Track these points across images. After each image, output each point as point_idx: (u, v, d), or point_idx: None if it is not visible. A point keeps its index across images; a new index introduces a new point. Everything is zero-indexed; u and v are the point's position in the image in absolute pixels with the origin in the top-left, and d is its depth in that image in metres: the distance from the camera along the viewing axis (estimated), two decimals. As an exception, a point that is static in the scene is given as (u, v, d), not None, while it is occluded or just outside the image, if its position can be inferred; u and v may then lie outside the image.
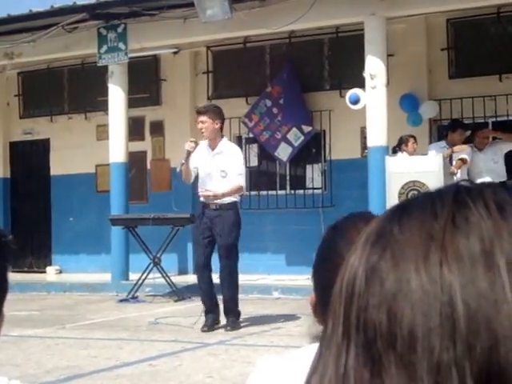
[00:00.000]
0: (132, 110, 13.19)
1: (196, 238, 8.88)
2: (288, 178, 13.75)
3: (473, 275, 0.58)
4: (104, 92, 13.02)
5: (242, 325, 9.01)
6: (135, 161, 13.76)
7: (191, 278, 12.90)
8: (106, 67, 12.81)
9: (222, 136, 8.74)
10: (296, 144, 13.17)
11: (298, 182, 13.62)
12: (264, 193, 13.63)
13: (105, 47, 12.72)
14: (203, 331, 8.56)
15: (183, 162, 8.61)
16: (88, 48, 12.87)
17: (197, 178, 8.74)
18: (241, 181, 8.53)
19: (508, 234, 0.60)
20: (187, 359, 7.36)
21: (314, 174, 13.49)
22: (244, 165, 8.79)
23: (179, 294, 11.46)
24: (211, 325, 8.66)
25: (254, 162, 13.89)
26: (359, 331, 0.61)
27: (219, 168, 8.49)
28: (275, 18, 11.53)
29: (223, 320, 8.87)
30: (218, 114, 8.54)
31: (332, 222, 1.71)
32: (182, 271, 13.85)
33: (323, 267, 1.61)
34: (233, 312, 8.77)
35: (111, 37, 12.67)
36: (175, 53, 14.05)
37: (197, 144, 8.64)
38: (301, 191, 13.44)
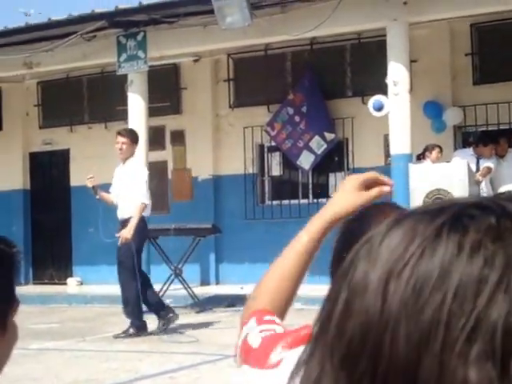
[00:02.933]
0: (152, 119, 13.07)
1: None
2: (310, 186, 13.62)
3: (413, 306, 0.60)
4: (124, 101, 12.92)
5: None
6: (156, 170, 13.64)
7: (213, 289, 12.78)
8: (125, 76, 12.70)
9: (133, 156, 9.54)
10: (319, 152, 13.02)
11: (321, 190, 13.47)
12: (286, 202, 13.49)
13: (124, 55, 12.61)
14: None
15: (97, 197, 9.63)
16: (107, 57, 12.78)
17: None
18: (141, 198, 9.22)
19: (466, 280, 0.60)
20: (207, 371, 7.31)
21: (336, 183, 13.31)
22: (144, 180, 9.35)
23: (200, 305, 11.34)
24: (160, 328, 9.45)
25: (277, 171, 13.79)
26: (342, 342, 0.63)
27: (125, 184, 9.31)
28: (296, 24, 11.41)
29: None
30: (135, 139, 9.55)
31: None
32: (204, 282, 13.72)
33: (342, 261, 1.45)
34: (131, 322, 9.45)
35: (130, 45, 12.56)
36: (195, 60, 13.95)
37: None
38: (324, 200, 13.23)
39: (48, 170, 15.36)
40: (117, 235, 9.32)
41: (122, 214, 9.41)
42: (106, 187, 14.53)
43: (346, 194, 1.58)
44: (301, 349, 1.31)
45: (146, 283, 9.59)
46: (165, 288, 11.45)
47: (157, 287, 11.64)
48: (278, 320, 1.49)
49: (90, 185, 9.49)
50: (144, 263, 12.41)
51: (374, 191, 1.57)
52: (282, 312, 1.54)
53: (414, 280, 0.61)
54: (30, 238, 15.68)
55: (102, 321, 10.95)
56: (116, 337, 9.28)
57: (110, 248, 14.33)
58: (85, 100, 15.19)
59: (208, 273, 13.81)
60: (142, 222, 9.35)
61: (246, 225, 13.35)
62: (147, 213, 9.52)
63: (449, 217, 0.63)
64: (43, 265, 15.42)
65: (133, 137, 9.49)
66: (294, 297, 1.58)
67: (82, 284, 14.82)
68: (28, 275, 15.63)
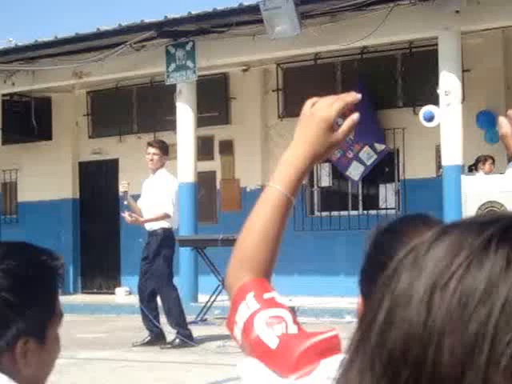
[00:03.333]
0: (201, 129, 13.06)
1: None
2: (360, 197, 13.49)
3: (459, 325, 0.59)
4: (173, 111, 12.91)
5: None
6: (204, 180, 13.64)
7: (261, 301, 12.66)
8: (174, 86, 12.69)
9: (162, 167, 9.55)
10: (368, 163, 12.87)
11: (371, 201, 13.34)
12: (336, 213, 13.34)
13: (173, 65, 12.61)
14: (133, 345, 9.44)
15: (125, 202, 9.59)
16: (156, 66, 12.79)
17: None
18: (166, 207, 9.28)
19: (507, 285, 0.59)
20: None
21: (387, 194, 13.18)
22: (172, 191, 9.41)
23: (249, 316, 11.18)
24: (146, 341, 9.53)
25: (326, 182, 13.68)
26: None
27: (153, 195, 9.34)
28: (346, 33, 11.32)
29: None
30: (166, 151, 9.61)
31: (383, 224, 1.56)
32: (252, 293, 13.58)
33: (375, 274, 1.38)
34: (177, 332, 9.42)
35: (179, 55, 12.55)
36: (244, 70, 13.93)
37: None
38: (374, 211, 13.12)
39: (97, 179, 15.42)
40: (124, 215, 9.38)
41: (149, 226, 9.43)
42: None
43: (315, 134, 1.44)
44: (334, 358, 1.20)
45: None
46: (212, 299, 11.38)
47: (204, 298, 11.60)
48: (277, 297, 1.40)
49: (122, 189, 9.53)
50: (192, 274, 12.39)
51: (346, 126, 1.45)
52: (268, 273, 1.45)
53: (459, 292, 0.60)
54: (78, 248, 15.77)
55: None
56: (162, 347, 9.28)
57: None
58: (134, 110, 15.25)
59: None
60: (169, 233, 9.45)
61: (294, 236, 13.18)
62: (175, 225, 9.65)
63: (498, 229, 0.62)
64: (92, 274, 15.48)
65: (163, 148, 9.54)
66: (277, 254, 1.47)
67: (130, 294, 14.81)
68: (77, 285, 15.74)
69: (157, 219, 9.26)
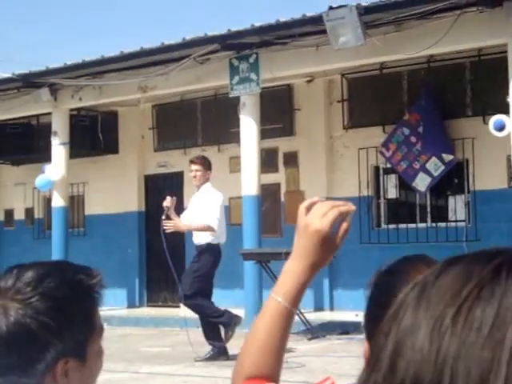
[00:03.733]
0: (265, 141, 12.99)
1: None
2: (429, 209, 13.20)
3: (470, 354, 0.59)
4: (236, 123, 12.85)
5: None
6: (269, 193, 13.55)
7: (327, 316, 12.52)
8: (238, 98, 12.64)
9: (206, 182, 9.74)
10: (435, 174, 12.58)
11: (440, 213, 13.05)
12: (403, 226, 13.08)
13: (237, 78, 12.56)
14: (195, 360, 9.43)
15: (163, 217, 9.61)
16: (220, 79, 12.76)
17: None
18: (210, 221, 9.36)
19: None
20: None
21: (456, 206, 12.87)
22: (218, 206, 9.53)
23: (313, 331, 11.06)
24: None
25: (393, 194, 13.46)
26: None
27: (199, 209, 9.46)
28: (412, 42, 11.11)
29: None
30: (209, 165, 9.78)
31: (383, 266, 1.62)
32: (318, 308, 13.47)
33: (380, 315, 1.38)
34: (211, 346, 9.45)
35: (243, 67, 12.50)
36: (309, 81, 13.81)
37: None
38: (443, 224, 12.82)
39: (162, 192, 15.42)
40: (164, 224, 9.44)
41: (197, 240, 9.55)
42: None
43: (311, 246, 1.48)
44: None
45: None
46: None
47: (269, 312, 11.50)
48: None
49: (165, 204, 9.58)
50: (256, 288, 12.28)
51: (342, 233, 1.49)
52: (274, 373, 1.48)
53: (472, 319, 0.60)
54: (144, 260, 15.84)
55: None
56: (197, 360, 9.34)
57: (222, 271, 14.30)
58: (198, 123, 15.25)
59: (322, 298, 13.55)
60: (217, 248, 9.54)
61: (361, 249, 13.01)
62: (222, 240, 9.68)
63: (507, 258, 0.64)
64: (157, 287, 15.51)
65: (206, 164, 9.72)
66: (281, 362, 1.50)
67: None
68: (142, 298, 15.82)
69: (197, 228, 9.42)
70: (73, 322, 1.47)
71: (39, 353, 1.44)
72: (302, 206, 1.51)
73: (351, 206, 1.53)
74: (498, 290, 0.61)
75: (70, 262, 1.58)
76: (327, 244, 1.48)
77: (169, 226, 9.34)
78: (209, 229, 9.37)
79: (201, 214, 9.39)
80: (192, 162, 9.80)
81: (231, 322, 9.53)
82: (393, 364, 0.62)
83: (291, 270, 1.49)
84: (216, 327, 9.52)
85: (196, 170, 9.66)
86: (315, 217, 1.47)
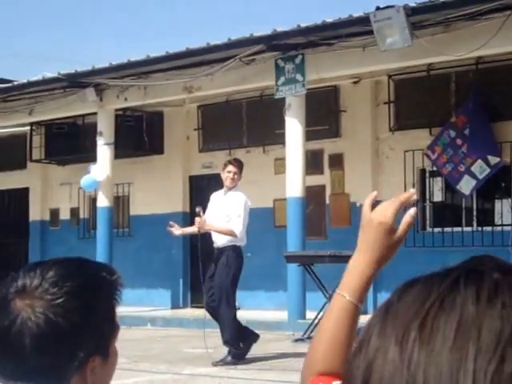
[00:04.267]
0: (310, 143, 12.92)
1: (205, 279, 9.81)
2: (475, 213, 13.04)
3: (439, 357, 0.63)
4: (282, 124, 12.80)
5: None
6: (313, 195, 13.48)
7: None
8: (283, 99, 12.59)
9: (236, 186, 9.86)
10: (481, 177, 12.41)
11: (486, 217, 12.88)
12: (448, 229, 12.93)
13: (282, 79, 12.50)
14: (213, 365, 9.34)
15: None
16: (265, 80, 12.72)
17: None
18: (235, 225, 9.43)
19: (488, 323, 0.63)
20: None
21: (503, 210, 12.66)
22: (245, 210, 9.57)
23: (356, 335, 10.93)
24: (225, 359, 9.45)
25: (438, 197, 13.31)
26: None
27: (224, 212, 9.54)
28: (460, 43, 10.98)
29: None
30: (242, 169, 9.90)
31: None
32: (362, 312, 13.30)
33: None
34: (229, 350, 9.53)
35: (289, 68, 12.44)
36: (355, 82, 13.71)
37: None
38: (489, 228, 12.65)
39: (207, 193, 15.41)
40: (196, 225, 9.60)
41: (220, 242, 9.56)
42: (264, 211, 14.51)
43: (376, 240, 1.47)
44: None
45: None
46: (319, 316, 11.18)
47: (312, 315, 11.42)
48: None
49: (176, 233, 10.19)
50: (299, 290, 12.21)
51: (404, 226, 1.47)
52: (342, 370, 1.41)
53: (437, 327, 0.63)
54: (188, 261, 15.84)
55: (255, 347, 10.76)
56: (215, 364, 9.37)
57: (266, 273, 14.28)
58: (243, 124, 15.22)
59: (365, 301, 13.37)
60: (240, 251, 9.58)
61: (405, 253, 12.76)
62: (244, 242, 9.70)
63: (463, 270, 0.68)
64: (201, 288, 15.45)
65: (241, 167, 9.89)
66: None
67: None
68: (186, 299, 15.85)
69: (220, 231, 9.47)
70: (100, 320, 1.48)
71: (71, 352, 1.45)
72: (367, 202, 1.51)
73: (412, 192, 1.53)
74: (458, 299, 0.65)
75: (89, 258, 1.56)
76: (391, 237, 1.47)
77: (196, 222, 9.52)
78: (231, 234, 9.47)
79: (231, 218, 9.50)
80: (230, 163, 9.89)
81: (250, 339, 9.71)
82: (366, 379, 0.65)
83: (356, 266, 1.49)
84: (237, 333, 9.62)
85: (234, 173, 9.77)
86: (379, 210, 1.48)
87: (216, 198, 9.95)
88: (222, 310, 9.62)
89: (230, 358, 9.45)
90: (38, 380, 1.46)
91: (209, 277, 9.71)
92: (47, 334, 1.43)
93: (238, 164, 9.89)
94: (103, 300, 1.49)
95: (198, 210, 9.67)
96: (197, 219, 9.51)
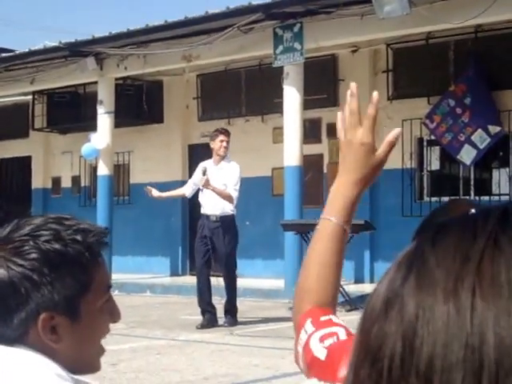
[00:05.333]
0: (308, 112, 12.94)
1: (197, 245, 10.03)
2: (472, 182, 13.07)
3: (510, 305, 0.53)
4: (280, 93, 12.84)
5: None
6: (311, 164, 13.53)
7: (366, 288, 12.50)
8: (282, 68, 12.61)
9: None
10: (481, 146, 12.40)
11: (483, 187, 12.92)
12: (446, 199, 12.95)
13: (280, 47, 12.51)
14: (197, 328, 9.68)
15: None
16: (264, 49, 12.73)
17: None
18: (233, 192, 9.73)
19: None
20: None
21: (500, 179, 12.71)
22: (239, 180, 9.85)
23: (352, 303, 11.07)
24: (207, 324, 9.80)
25: (436, 166, 13.38)
26: (367, 364, 0.57)
27: (220, 182, 9.72)
28: (459, 11, 10.94)
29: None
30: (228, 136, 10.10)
31: None
32: (358, 280, 13.51)
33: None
34: (230, 311, 9.98)
35: (287, 37, 12.44)
36: (353, 51, 13.73)
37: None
38: (486, 197, 12.70)
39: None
40: (201, 182, 9.74)
41: (219, 211, 9.77)
42: (263, 180, 14.57)
43: (357, 160, 1.46)
44: None
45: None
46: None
47: (309, 283, 11.54)
48: (335, 318, 1.41)
49: (154, 195, 10.41)
50: (296, 258, 12.32)
51: (386, 147, 1.46)
52: (330, 304, 1.46)
53: (497, 275, 0.54)
54: (187, 229, 15.94)
55: (252, 314, 10.94)
56: (199, 328, 9.74)
57: (265, 242, 14.38)
58: (242, 93, 15.26)
59: (362, 270, 13.58)
60: (235, 219, 9.92)
61: (402, 222, 12.91)
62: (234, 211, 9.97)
63: (501, 209, 0.58)
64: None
65: (229, 136, 10.14)
66: (339, 283, 1.49)
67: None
68: (185, 266, 15.98)
69: (221, 193, 9.63)
70: (58, 278, 1.46)
71: (18, 304, 1.45)
72: (339, 125, 1.49)
73: (376, 99, 1.53)
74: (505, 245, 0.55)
75: (77, 218, 1.54)
76: (372, 156, 1.46)
77: (202, 179, 9.67)
78: (230, 200, 9.69)
79: (226, 186, 9.74)
80: (222, 132, 10.04)
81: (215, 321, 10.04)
82: (407, 347, 0.55)
83: (339, 189, 1.48)
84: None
85: (227, 141, 9.98)
86: (354, 129, 1.47)
87: (209, 166, 10.00)
88: (230, 278, 9.97)
89: (228, 321, 9.89)
90: None
91: (200, 241, 9.93)
92: None
93: (228, 134, 10.10)
94: (68, 258, 1.47)
95: (203, 169, 9.85)
96: (202, 177, 9.66)
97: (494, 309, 0.53)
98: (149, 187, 10.42)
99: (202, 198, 9.98)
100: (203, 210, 9.91)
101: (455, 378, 0.52)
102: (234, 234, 9.85)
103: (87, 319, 1.50)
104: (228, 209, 9.74)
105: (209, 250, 9.79)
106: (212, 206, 9.74)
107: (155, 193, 10.34)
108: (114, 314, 1.56)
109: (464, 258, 0.55)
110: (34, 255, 1.44)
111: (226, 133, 10.05)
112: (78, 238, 1.47)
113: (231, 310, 10.00)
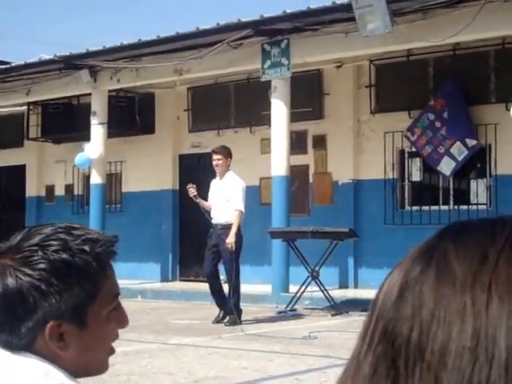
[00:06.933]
0: (295, 124, 13.26)
1: (206, 253, 10.73)
2: (452, 192, 13.40)
3: None
4: (268, 106, 13.14)
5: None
6: (298, 174, 13.80)
7: (351, 293, 12.85)
8: (269, 82, 12.95)
9: (228, 170, 10.77)
10: (460, 158, 12.82)
11: (462, 197, 13.26)
12: (426, 208, 13.38)
13: (268, 62, 12.88)
14: (212, 323, 10.57)
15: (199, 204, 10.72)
16: (252, 63, 13.04)
17: None
18: (240, 206, 10.45)
19: None
20: (334, 376, 7.25)
21: (478, 189, 13.10)
22: (244, 192, 10.59)
23: (337, 308, 11.40)
24: (223, 317, 10.58)
25: (417, 177, 13.66)
26: (384, 341, 0.60)
27: (224, 194, 10.51)
28: (438, 30, 11.28)
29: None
30: (229, 154, 10.76)
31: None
32: (343, 285, 13.80)
33: None
34: (233, 312, 10.52)
35: (275, 52, 12.82)
36: (338, 67, 14.03)
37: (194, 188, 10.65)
38: (465, 207, 13.06)
39: (196, 171, 15.83)
40: (226, 242, 10.37)
41: (221, 219, 10.46)
42: (251, 189, 14.94)
43: None
44: None
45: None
46: (302, 290, 11.65)
47: (295, 288, 11.88)
48: None
49: (191, 194, 10.61)
50: (283, 265, 12.68)
51: None
52: None
53: None
54: (177, 237, 16.19)
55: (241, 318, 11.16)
56: (214, 322, 10.57)
57: (253, 248, 14.68)
58: (231, 105, 15.53)
59: (347, 276, 13.86)
60: (239, 229, 10.51)
61: (385, 230, 13.32)
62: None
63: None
64: (189, 263, 15.86)
65: (226, 153, 10.75)
66: None
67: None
68: (175, 272, 16.17)
69: (239, 220, 10.42)
70: (66, 287, 1.47)
71: (26, 312, 1.46)
72: None
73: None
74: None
75: (86, 227, 1.57)
76: None
77: (228, 243, 10.32)
78: (241, 215, 10.47)
79: (232, 198, 10.42)
80: (214, 152, 10.74)
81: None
82: (421, 336, 0.58)
83: None
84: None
85: (218, 159, 10.62)
86: None
87: (215, 185, 10.84)
88: (234, 281, 10.59)
89: (229, 319, 10.54)
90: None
91: (209, 249, 10.63)
92: (6, 293, 1.46)
93: (221, 150, 10.74)
94: (76, 268, 1.48)
95: (192, 194, 10.60)
96: (228, 241, 10.34)
97: (508, 305, 0.55)
98: (193, 186, 10.71)
99: (212, 209, 10.64)
100: (213, 220, 10.59)
101: (468, 361, 0.55)
102: (237, 241, 10.41)
103: (94, 327, 1.51)
104: (232, 218, 10.38)
105: (216, 256, 10.54)
106: (218, 215, 10.50)
107: (194, 193, 10.68)
108: (121, 321, 1.57)
109: (482, 257, 0.57)
110: (42, 265, 1.45)
111: (219, 150, 10.74)
112: (86, 248, 1.48)
113: (234, 311, 10.52)
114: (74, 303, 1.47)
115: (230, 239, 10.30)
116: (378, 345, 0.60)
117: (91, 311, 1.50)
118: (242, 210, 10.48)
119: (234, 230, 10.31)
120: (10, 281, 1.46)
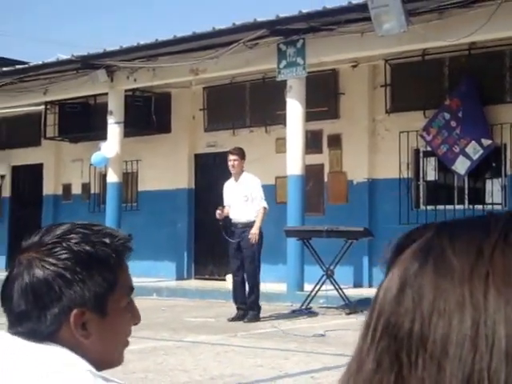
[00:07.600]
0: (310, 124, 13.29)
1: (230, 252, 11.04)
2: (466, 192, 13.40)
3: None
4: (283, 106, 13.17)
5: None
6: (312, 173, 13.84)
7: (365, 292, 12.86)
8: (285, 81, 12.99)
9: (243, 171, 11.05)
10: (475, 158, 12.83)
11: (477, 196, 13.25)
12: (441, 207, 13.37)
13: (284, 62, 12.93)
14: (229, 321, 10.71)
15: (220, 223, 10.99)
16: (268, 63, 13.09)
17: None
18: (263, 203, 10.81)
19: None
20: None
21: (493, 189, 13.09)
22: (261, 189, 10.88)
23: (352, 307, 11.43)
24: (237, 318, 10.77)
25: (432, 176, 13.66)
26: (386, 336, 0.61)
27: (241, 194, 10.81)
28: (453, 29, 11.28)
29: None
30: (243, 155, 11.04)
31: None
32: (357, 284, 13.83)
33: None
34: (253, 309, 10.78)
35: (290, 52, 12.87)
36: (353, 66, 14.05)
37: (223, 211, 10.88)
38: (480, 206, 13.04)
39: (211, 171, 15.90)
40: (250, 233, 10.63)
41: (246, 218, 10.75)
42: (266, 188, 14.97)
43: None
44: None
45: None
46: (316, 288, 11.69)
47: (310, 287, 11.92)
48: None
49: (219, 217, 10.85)
50: (298, 263, 12.72)
51: None
52: None
53: (509, 267, 0.59)
54: (193, 235, 16.26)
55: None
56: (230, 320, 10.71)
57: (268, 247, 14.68)
58: (247, 105, 15.58)
59: (361, 275, 13.89)
60: (260, 228, 10.77)
61: (400, 229, 12.95)
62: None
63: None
64: (204, 261, 15.92)
65: (241, 154, 11.02)
66: None
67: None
68: (190, 270, 16.24)
69: (264, 216, 10.77)
70: (89, 276, 1.53)
71: (52, 300, 1.52)
72: None
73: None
74: None
75: (102, 224, 1.64)
76: None
77: (252, 234, 10.61)
78: (266, 211, 10.80)
79: (252, 197, 10.72)
80: (230, 152, 10.94)
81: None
82: (422, 329, 0.60)
83: None
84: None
85: (234, 160, 10.87)
86: None
87: (230, 186, 11.07)
88: (255, 277, 10.82)
89: (250, 316, 10.76)
90: (23, 326, 1.54)
91: (235, 249, 10.88)
92: (33, 283, 1.52)
93: (237, 151, 10.96)
94: (97, 259, 1.54)
95: (219, 217, 10.88)
96: (253, 231, 10.60)
97: (505, 294, 0.57)
98: (222, 209, 10.94)
99: (231, 209, 10.93)
100: (233, 220, 10.91)
101: (469, 349, 0.57)
102: (258, 239, 10.65)
103: (113, 316, 1.57)
104: (253, 216, 10.72)
105: (240, 254, 10.78)
106: (238, 215, 10.76)
107: (222, 216, 10.93)
108: (135, 315, 1.64)
109: (478, 250, 0.60)
110: (66, 255, 1.52)
111: (234, 151, 10.93)
112: (106, 240, 1.56)
113: (254, 307, 10.79)
114: (96, 291, 1.54)
115: (255, 230, 10.56)
116: (380, 340, 0.62)
117: (111, 300, 1.57)
118: (267, 206, 10.79)
119: (258, 224, 10.61)
120: (37, 271, 1.52)
